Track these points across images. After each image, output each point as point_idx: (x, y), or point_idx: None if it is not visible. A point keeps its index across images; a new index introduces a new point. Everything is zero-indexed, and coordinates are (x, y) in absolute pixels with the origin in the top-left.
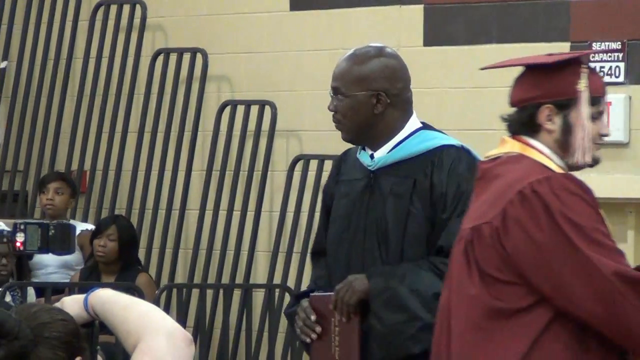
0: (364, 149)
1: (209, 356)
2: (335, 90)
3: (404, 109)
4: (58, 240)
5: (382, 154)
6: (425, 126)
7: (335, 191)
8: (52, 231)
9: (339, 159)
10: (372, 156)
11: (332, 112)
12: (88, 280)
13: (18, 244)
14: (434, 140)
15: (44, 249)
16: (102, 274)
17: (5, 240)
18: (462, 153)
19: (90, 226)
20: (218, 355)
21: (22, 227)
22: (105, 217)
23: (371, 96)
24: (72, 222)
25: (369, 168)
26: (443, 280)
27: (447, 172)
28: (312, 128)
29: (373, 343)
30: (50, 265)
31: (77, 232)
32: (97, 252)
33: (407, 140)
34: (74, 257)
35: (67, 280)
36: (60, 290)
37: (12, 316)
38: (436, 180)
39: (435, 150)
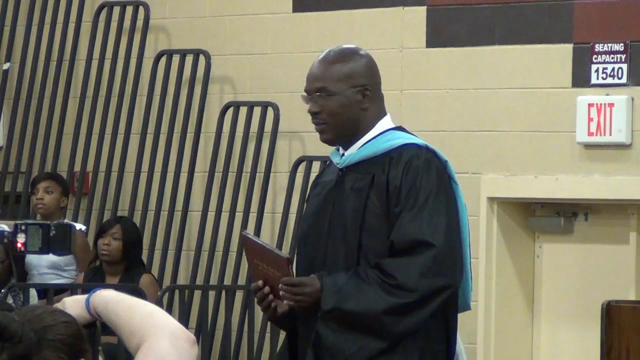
0: (337, 150)
1: (211, 357)
2: (320, 90)
3: (380, 106)
4: (59, 240)
5: (351, 152)
6: (400, 128)
7: (312, 193)
8: (53, 232)
9: (326, 162)
10: (342, 155)
11: (315, 113)
12: (92, 282)
13: (19, 245)
14: (398, 139)
15: (44, 250)
16: (106, 275)
17: (6, 240)
18: (422, 151)
19: (81, 226)
20: (220, 356)
21: (22, 227)
22: (109, 218)
23: (358, 92)
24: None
25: (338, 166)
26: (390, 295)
27: (403, 167)
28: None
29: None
30: (39, 266)
31: None
32: (101, 251)
33: (374, 139)
34: (64, 258)
35: (60, 281)
36: (61, 291)
37: (15, 319)
38: (392, 175)
39: (395, 149)
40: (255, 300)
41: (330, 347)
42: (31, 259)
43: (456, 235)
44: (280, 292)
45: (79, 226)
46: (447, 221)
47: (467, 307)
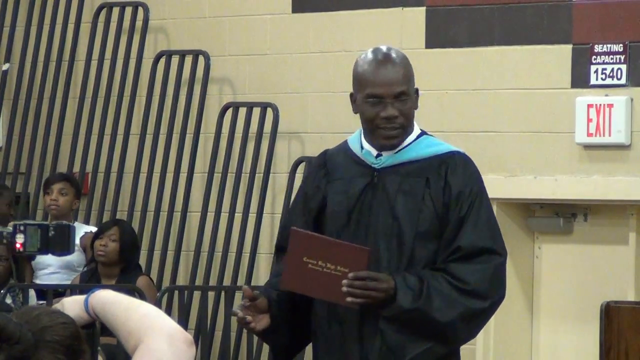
0: (361, 147)
1: (210, 358)
2: (402, 94)
3: None
4: (58, 241)
5: (390, 154)
6: (424, 132)
7: (329, 189)
8: (52, 232)
9: (323, 159)
10: (377, 155)
11: (394, 117)
12: (88, 284)
13: (18, 246)
14: (442, 145)
15: (43, 250)
16: (101, 277)
17: (5, 241)
18: (468, 158)
19: (93, 228)
20: (220, 357)
21: (21, 228)
22: (107, 221)
23: (415, 93)
24: (75, 224)
25: (374, 166)
26: (465, 300)
27: (462, 173)
28: (314, 130)
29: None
30: (52, 265)
31: (81, 233)
32: (97, 252)
33: (414, 143)
34: (77, 258)
35: (69, 282)
36: (60, 292)
37: (13, 320)
38: (453, 181)
39: (447, 154)
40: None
41: (394, 348)
42: (44, 258)
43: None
44: (345, 288)
45: (90, 228)
46: (499, 229)
47: None
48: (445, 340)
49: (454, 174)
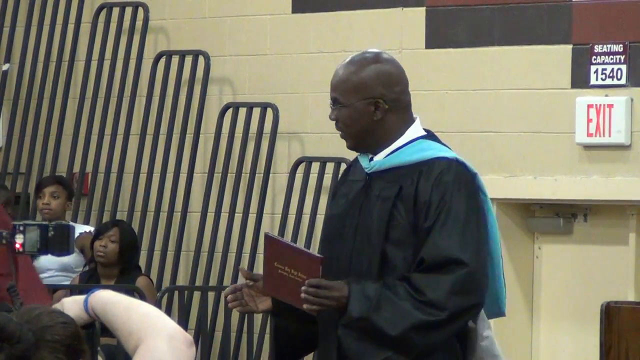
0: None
1: (210, 358)
2: (335, 101)
3: (404, 113)
4: (57, 241)
5: (379, 158)
6: (430, 135)
7: (337, 191)
8: (52, 232)
9: (350, 163)
10: (371, 159)
11: (335, 121)
12: (87, 284)
13: (17, 246)
14: (429, 151)
15: (43, 251)
16: (101, 278)
17: (4, 242)
18: (452, 164)
19: (89, 228)
20: (219, 357)
21: (21, 228)
22: (106, 221)
23: (369, 104)
24: (71, 224)
25: (366, 170)
26: (420, 311)
27: (433, 181)
28: (314, 130)
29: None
30: (51, 269)
31: (76, 234)
32: (97, 253)
33: (404, 148)
34: (74, 260)
35: (69, 283)
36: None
37: (13, 320)
38: (421, 189)
39: (428, 160)
40: (228, 298)
41: (351, 356)
42: (42, 261)
43: (485, 253)
44: (302, 295)
45: (87, 228)
46: (477, 238)
47: (501, 314)
48: (400, 350)
49: (425, 182)
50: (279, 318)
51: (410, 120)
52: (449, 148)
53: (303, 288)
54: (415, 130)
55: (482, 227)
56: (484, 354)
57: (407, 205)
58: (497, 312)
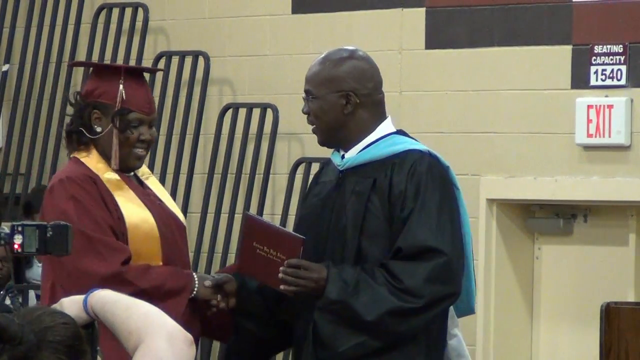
0: (337, 151)
1: (210, 358)
2: (307, 93)
3: (376, 110)
4: (56, 241)
5: (352, 155)
6: (401, 132)
7: (309, 192)
8: (50, 233)
9: (322, 164)
10: (343, 157)
11: (306, 114)
12: None
13: (16, 246)
14: (401, 144)
15: (42, 251)
16: None
17: (2, 242)
18: (425, 156)
19: None
20: (220, 357)
21: (19, 229)
22: None
23: (340, 97)
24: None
25: (339, 167)
26: (396, 297)
27: (407, 172)
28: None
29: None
30: None
31: None
32: None
33: (376, 144)
34: None
35: None
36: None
37: (14, 321)
38: (395, 180)
39: (399, 153)
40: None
41: (326, 339)
42: (37, 267)
43: (461, 243)
44: (280, 275)
45: None
46: (452, 227)
47: (471, 311)
48: (375, 335)
49: (399, 173)
50: (242, 319)
51: (382, 118)
52: (421, 143)
53: (282, 268)
54: (386, 127)
55: (456, 217)
56: (452, 352)
57: (381, 198)
58: (467, 309)
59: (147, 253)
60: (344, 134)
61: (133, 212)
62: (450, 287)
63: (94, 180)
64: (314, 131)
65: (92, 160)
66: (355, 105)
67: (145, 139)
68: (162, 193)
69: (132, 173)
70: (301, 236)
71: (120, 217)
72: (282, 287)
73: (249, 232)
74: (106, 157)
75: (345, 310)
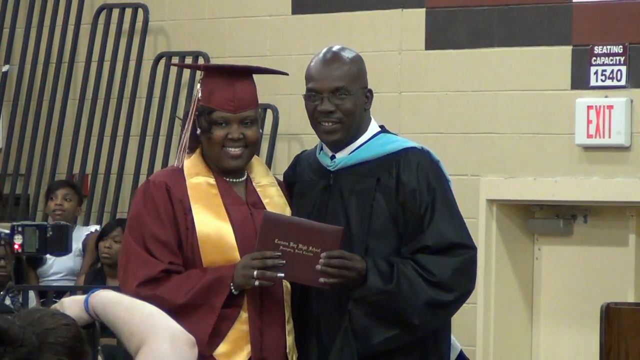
0: (322, 150)
1: None
2: (338, 89)
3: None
4: (56, 241)
5: (344, 155)
6: (384, 129)
7: (292, 190)
8: (50, 233)
9: (294, 162)
10: (332, 157)
11: (329, 112)
12: (93, 284)
13: (16, 246)
14: (396, 142)
15: (42, 251)
16: (107, 277)
17: (3, 242)
18: (425, 153)
19: (95, 227)
20: None
21: (19, 229)
22: (110, 221)
23: (364, 93)
24: (77, 226)
25: (329, 168)
26: (430, 289)
27: (415, 169)
28: (313, 131)
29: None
30: (59, 272)
31: (83, 236)
32: (102, 254)
33: (369, 142)
34: (80, 262)
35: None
36: (62, 293)
37: (15, 323)
38: (404, 178)
39: (399, 151)
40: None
41: (360, 330)
42: (49, 265)
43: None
44: (321, 267)
45: (93, 227)
46: (463, 221)
47: None
48: (410, 327)
49: (407, 172)
50: None
51: (369, 116)
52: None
53: (322, 261)
54: (374, 126)
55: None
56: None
57: (387, 197)
58: None
59: (223, 263)
60: (356, 131)
61: (206, 222)
62: (473, 282)
63: (168, 188)
64: (334, 129)
65: (191, 162)
66: (370, 102)
67: (233, 137)
68: (273, 203)
69: (245, 176)
70: (339, 227)
71: (189, 227)
72: (321, 279)
73: (267, 231)
74: (208, 158)
75: (391, 300)
